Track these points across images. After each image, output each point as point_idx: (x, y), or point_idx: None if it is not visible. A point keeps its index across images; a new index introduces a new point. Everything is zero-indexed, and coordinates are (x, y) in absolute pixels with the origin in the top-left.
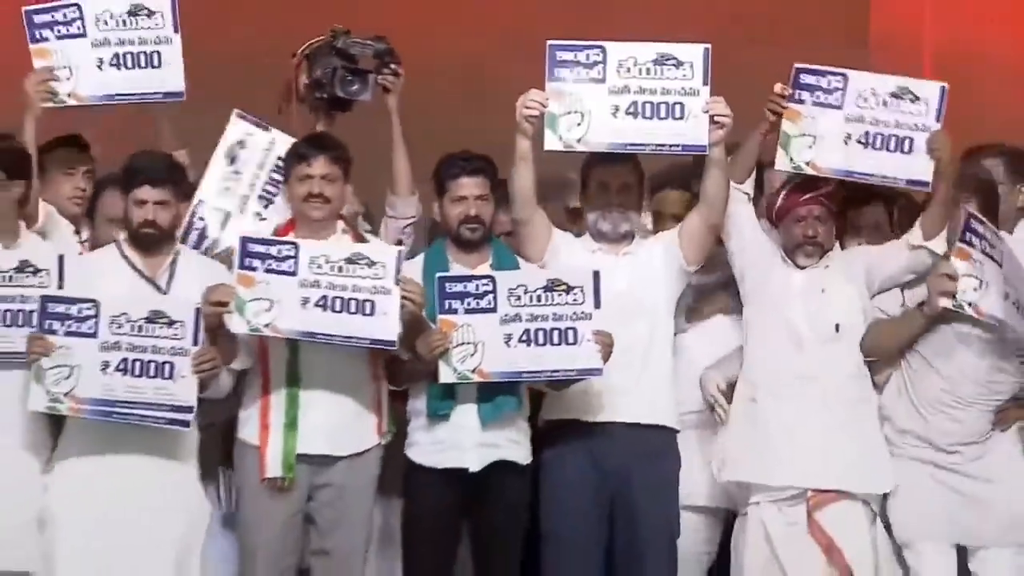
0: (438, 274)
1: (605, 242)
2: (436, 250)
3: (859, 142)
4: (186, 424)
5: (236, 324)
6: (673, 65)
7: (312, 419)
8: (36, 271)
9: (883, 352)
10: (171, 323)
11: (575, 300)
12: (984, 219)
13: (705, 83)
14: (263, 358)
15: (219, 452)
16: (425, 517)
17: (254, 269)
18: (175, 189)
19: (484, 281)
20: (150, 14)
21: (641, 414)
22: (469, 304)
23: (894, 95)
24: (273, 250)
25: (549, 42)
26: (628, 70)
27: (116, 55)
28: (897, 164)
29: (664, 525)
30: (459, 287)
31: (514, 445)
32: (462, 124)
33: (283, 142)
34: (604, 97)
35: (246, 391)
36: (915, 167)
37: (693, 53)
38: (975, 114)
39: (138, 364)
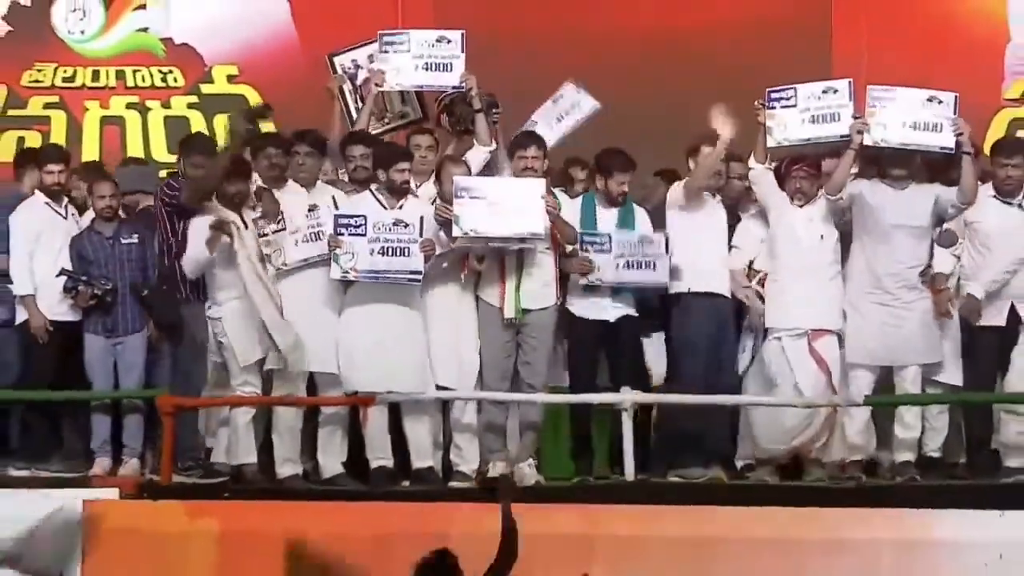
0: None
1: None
2: (589, 198)
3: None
4: (418, 281)
5: (454, 230)
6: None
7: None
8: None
9: None
10: (407, 225)
11: (656, 247)
12: None
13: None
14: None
15: None
16: (582, 346)
17: (462, 197)
18: None
19: (605, 236)
20: (448, 41)
21: (713, 286)
22: (598, 248)
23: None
24: (477, 184)
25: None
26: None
27: (426, 63)
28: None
29: (731, 343)
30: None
31: (631, 306)
32: None
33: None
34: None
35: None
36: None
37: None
38: None
39: (390, 249)
